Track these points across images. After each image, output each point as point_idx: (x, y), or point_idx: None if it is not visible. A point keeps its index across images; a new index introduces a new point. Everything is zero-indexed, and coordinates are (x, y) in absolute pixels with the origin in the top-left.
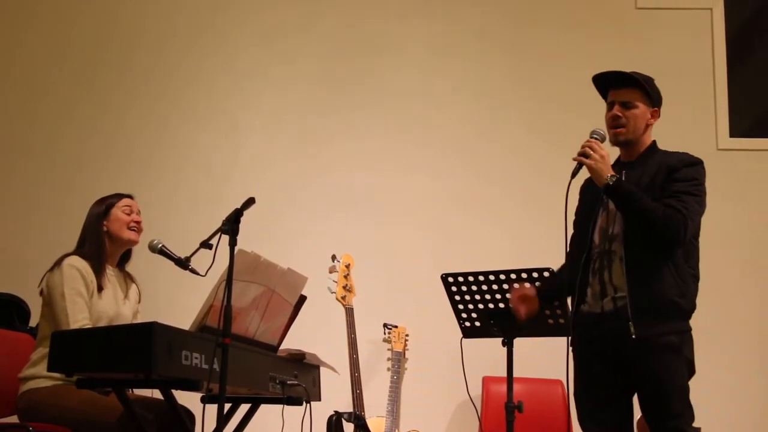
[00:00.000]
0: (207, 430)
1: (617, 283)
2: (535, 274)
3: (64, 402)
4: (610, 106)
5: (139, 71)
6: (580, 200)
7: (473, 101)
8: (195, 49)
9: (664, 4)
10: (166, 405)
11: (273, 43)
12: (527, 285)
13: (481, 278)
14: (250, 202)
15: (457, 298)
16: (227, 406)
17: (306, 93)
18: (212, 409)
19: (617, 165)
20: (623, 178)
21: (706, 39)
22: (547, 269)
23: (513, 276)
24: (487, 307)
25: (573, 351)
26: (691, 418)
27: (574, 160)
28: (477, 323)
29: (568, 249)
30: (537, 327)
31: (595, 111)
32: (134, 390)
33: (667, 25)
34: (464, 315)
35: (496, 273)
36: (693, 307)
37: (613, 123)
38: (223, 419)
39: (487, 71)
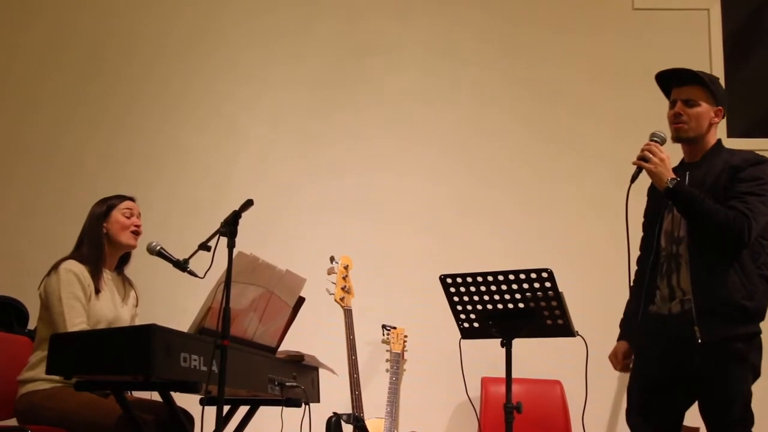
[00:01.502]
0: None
1: (684, 287)
2: (533, 275)
3: (63, 404)
4: (673, 104)
5: (138, 73)
6: (648, 202)
7: (472, 102)
8: (194, 52)
9: (661, 5)
10: (165, 407)
11: (272, 45)
12: (619, 348)
13: (480, 279)
14: (249, 204)
15: (456, 299)
16: (226, 408)
17: (305, 95)
18: (211, 411)
19: (681, 166)
20: (687, 179)
21: (703, 39)
22: (546, 270)
23: (511, 277)
24: (486, 308)
25: (636, 349)
26: (751, 423)
27: (634, 164)
28: (476, 324)
29: (638, 251)
30: (536, 328)
31: (595, 112)
32: (133, 392)
33: (664, 26)
34: (463, 316)
35: (495, 274)
36: (762, 309)
37: (675, 120)
38: (222, 421)
39: (485, 72)
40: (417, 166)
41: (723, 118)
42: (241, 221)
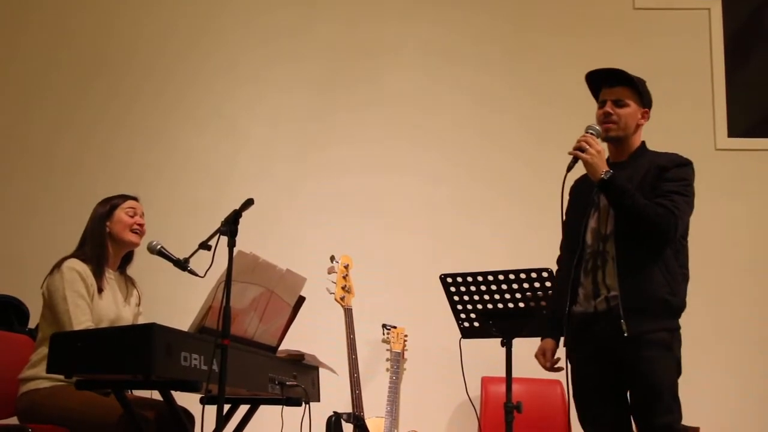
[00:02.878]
0: (206, 431)
1: (610, 283)
2: (533, 275)
3: (63, 403)
4: (602, 104)
5: (138, 74)
6: (570, 201)
7: (472, 103)
8: (194, 52)
9: (661, 5)
10: (166, 406)
11: (272, 46)
12: (546, 346)
13: (480, 279)
14: (249, 203)
15: (456, 298)
16: (226, 407)
17: (305, 96)
18: (211, 410)
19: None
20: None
21: (704, 39)
22: (546, 269)
23: (512, 276)
24: (486, 307)
25: (568, 353)
26: (680, 415)
27: (570, 154)
28: (476, 324)
29: (559, 251)
30: (536, 327)
31: (593, 113)
32: (133, 391)
33: (665, 26)
34: (463, 315)
35: (495, 273)
36: (683, 305)
37: (605, 119)
38: (222, 420)
39: (485, 74)
40: (417, 167)
41: (648, 120)
42: (241, 221)
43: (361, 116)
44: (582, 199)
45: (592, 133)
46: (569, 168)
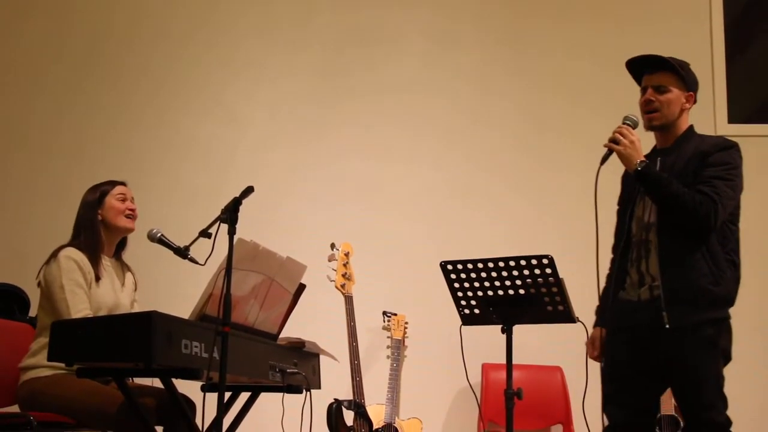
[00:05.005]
0: (207, 418)
1: (654, 273)
2: (534, 261)
3: (64, 391)
4: (644, 91)
5: (137, 63)
6: (622, 189)
7: (472, 91)
8: (193, 41)
9: None
10: (167, 394)
11: (271, 35)
12: (596, 335)
13: (480, 266)
14: (249, 190)
15: (457, 285)
16: (227, 394)
17: (305, 84)
18: (212, 397)
19: (653, 152)
20: (658, 165)
21: (704, 25)
22: (546, 256)
23: (512, 263)
24: (486, 294)
25: (606, 336)
26: (725, 407)
27: (605, 146)
28: (476, 310)
29: (613, 239)
30: (536, 314)
31: (595, 100)
32: (134, 379)
33: (665, 12)
34: (463, 302)
35: (495, 260)
36: (730, 294)
37: (647, 107)
38: (223, 407)
39: (486, 61)
40: (417, 154)
41: (694, 103)
42: (241, 208)
43: (361, 103)
44: (630, 188)
45: (628, 124)
46: (603, 160)
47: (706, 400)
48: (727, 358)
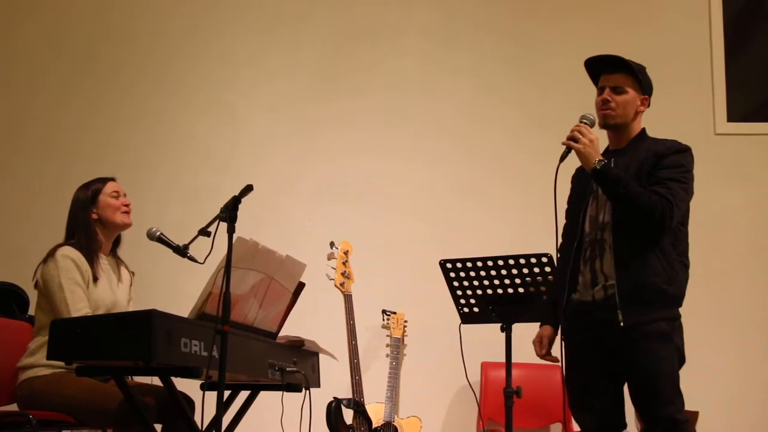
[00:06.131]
0: (207, 416)
1: (608, 272)
2: (533, 260)
3: (63, 390)
4: (601, 91)
5: (136, 61)
6: (572, 188)
7: (471, 89)
8: (193, 39)
9: None
10: (166, 392)
11: (271, 33)
12: (544, 333)
13: (480, 264)
14: (248, 189)
15: (456, 284)
16: (227, 393)
17: (304, 82)
18: (212, 396)
19: (606, 153)
20: (612, 165)
21: (703, 23)
22: (545, 255)
23: (511, 262)
24: (486, 293)
25: (564, 339)
26: (682, 405)
27: (563, 144)
28: (475, 309)
29: (560, 239)
30: (536, 312)
31: (593, 99)
32: (134, 377)
33: (664, 10)
34: (463, 301)
35: (495, 259)
36: (682, 294)
37: (603, 106)
38: (222, 406)
39: (485, 59)
40: (416, 153)
41: (647, 107)
42: (241, 207)
43: (360, 102)
44: (582, 187)
45: (585, 123)
46: (562, 158)
47: (664, 397)
48: (682, 358)
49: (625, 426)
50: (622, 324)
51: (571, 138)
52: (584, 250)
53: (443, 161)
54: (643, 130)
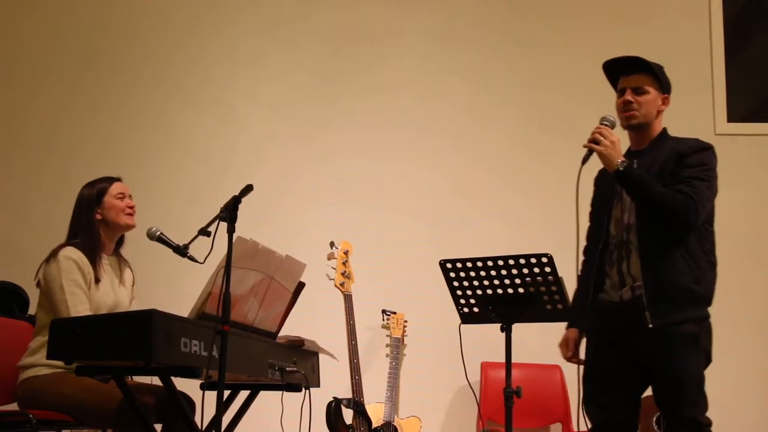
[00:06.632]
0: (206, 416)
1: (635, 273)
2: (533, 260)
3: (63, 389)
4: (621, 92)
5: (136, 61)
6: (595, 190)
7: (471, 89)
8: (193, 39)
9: None
10: (166, 392)
11: (271, 32)
12: (570, 336)
13: (480, 264)
14: (248, 189)
15: (456, 284)
16: (227, 392)
17: (304, 81)
18: (212, 395)
19: (628, 154)
20: (635, 166)
21: (703, 23)
22: (546, 255)
23: (511, 262)
24: (486, 293)
25: (588, 338)
26: (705, 407)
27: (585, 146)
28: (475, 309)
29: (585, 241)
30: (535, 313)
31: (594, 98)
32: (134, 377)
33: (664, 10)
34: (463, 301)
35: (495, 259)
36: (710, 294)
37: (625, 108)
38: (222, 406)
39: (484, 59)
40: (416, 152)
41: (668, 106)
42: (241, 207)
43: (360, 102)
44: (605, 189)
45: (606, 124)
46: (584, 160)
47: (688, 399)
48: (708, 359)
49: (636, 426)
50: (650, 325)
51: (593, 140)
52: (610, 252)
53: (443, 161)
54: (664, 129)
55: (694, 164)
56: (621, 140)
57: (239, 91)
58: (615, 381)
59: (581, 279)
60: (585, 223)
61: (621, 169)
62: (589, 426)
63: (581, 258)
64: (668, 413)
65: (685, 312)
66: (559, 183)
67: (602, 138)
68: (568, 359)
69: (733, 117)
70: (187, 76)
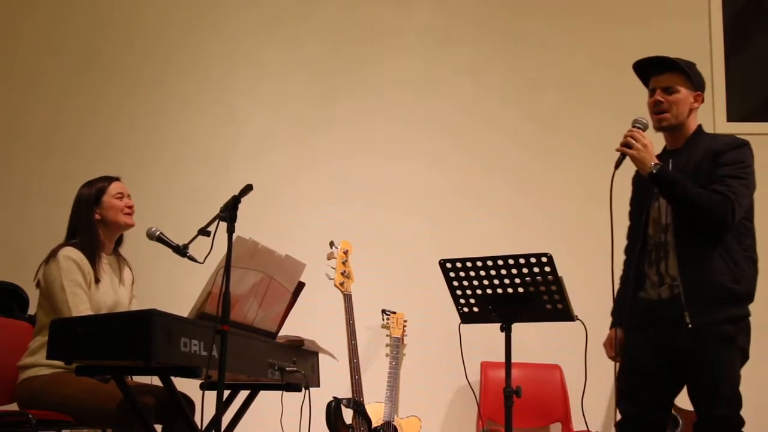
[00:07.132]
0: (206, 416)
1: (673, 273)
2: (533, 260)
3: (63, 390)
4: (652, 93)
5: (136, 60)
6: (633, 190)
7: (472, 88)
8: (193, 38)
9: None
10: (166, 392)
11: (271, 32)
12: (614, 335)
13: (480, 264)
14: (248, 188)
15: (456, 284)
16: (226, 392)
17: (304, 81)
18: (211, 395)
19: (663, 153)
20: (670, 166)
21: (703, 23)
22: (545, 255)
23: (511, 261)
24: (486, 292)
25: (626, 334)
26: (739, 405)
27: (618, 150)
28: (475, 309)
29: (615, 244)
30: (535, 312)
31: (594, 98)
32: (133, 377)
33: (664, 10)
34: (462, 301)
35: (495, 259)
36: (751, 291)
37: (656, 108)
38: (222, 406)
39: (485, 59)
40: (416, 152)
41: (702, 102)
42: (240, 206)
43: (360, 101)
44: (643, 190)
45: (638, 127)
46: (617, 164)
47: (721, 397)
48: (745, 357)
49: (665, 427)
50: (690, 326)
51: (625, 144)
52: (649, 252)
53: (443, 160)
54: (700, 126)
55: (729, 162)
56: (654, 141)
57: (239, 91)
58: (651, 379)
59: (622, 278)
60: (618, 227)
61: (654, 171)
62: (619, 419)
63: (622, 257)
64: (701, 411)
65: (724, 311)
66: (559, 183)
67: (634, 141)
68: (612, 358)
69: (732, 117)
70: (187, 76)
